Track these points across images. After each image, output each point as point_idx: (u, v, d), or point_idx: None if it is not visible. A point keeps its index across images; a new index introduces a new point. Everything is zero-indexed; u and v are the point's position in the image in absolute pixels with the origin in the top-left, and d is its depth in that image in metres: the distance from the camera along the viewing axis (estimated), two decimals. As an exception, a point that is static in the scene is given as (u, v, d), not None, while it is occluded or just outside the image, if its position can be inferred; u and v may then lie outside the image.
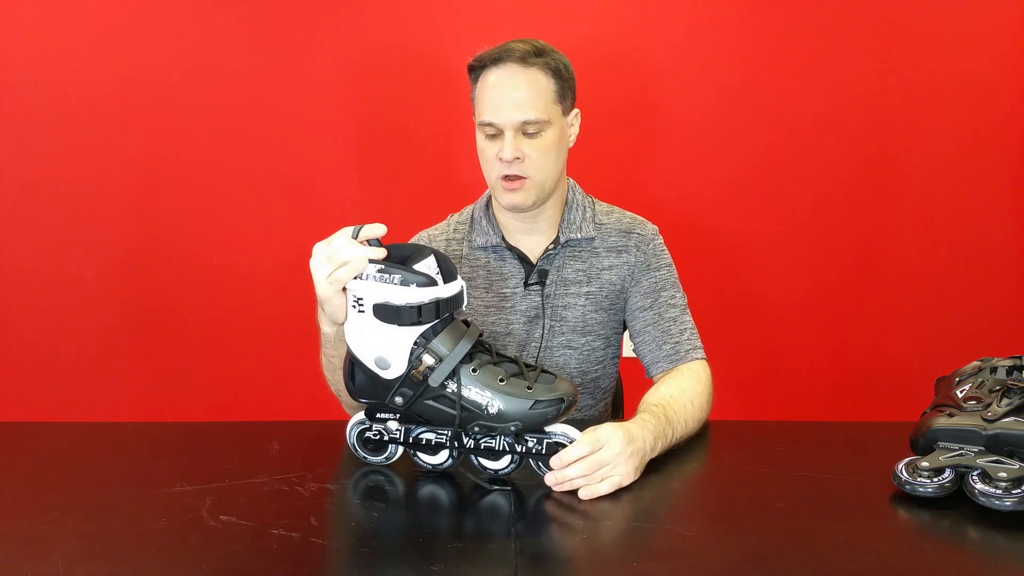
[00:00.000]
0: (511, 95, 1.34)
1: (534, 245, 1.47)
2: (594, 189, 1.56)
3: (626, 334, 1.52)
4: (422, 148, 2.36)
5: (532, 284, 1.45)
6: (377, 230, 1.04)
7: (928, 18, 2.34)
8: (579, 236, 1.45)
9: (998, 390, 1.05)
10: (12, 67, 2.27)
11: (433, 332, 1.02)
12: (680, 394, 1.26)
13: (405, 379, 1.03)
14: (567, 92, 1.40)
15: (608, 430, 1.06)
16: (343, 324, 1.10)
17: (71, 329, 2.36)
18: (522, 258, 1.46)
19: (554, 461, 1.04)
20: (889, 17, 2.33)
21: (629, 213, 1.53)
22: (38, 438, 1.28)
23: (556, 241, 1.45)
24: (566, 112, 1.41)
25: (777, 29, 2.34)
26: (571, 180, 1.51)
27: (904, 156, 2.40)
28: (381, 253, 1.02)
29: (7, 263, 2.33)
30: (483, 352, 1.06)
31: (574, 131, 1.45)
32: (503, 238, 1.47)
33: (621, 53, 2.33)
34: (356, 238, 1.03)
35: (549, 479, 1.04)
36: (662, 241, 1.51)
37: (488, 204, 1.50)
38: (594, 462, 1.03)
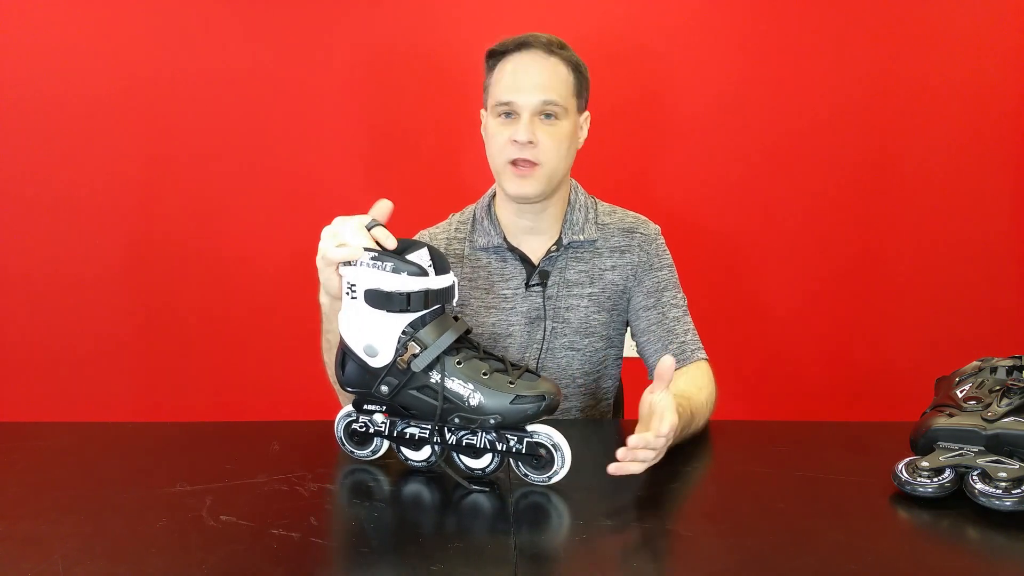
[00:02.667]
0: (533, 77, 1.35)
1: (536, 246, 1.47)
2: (596, 188, 1.56)
3: (627, 334, 1.52)
4: (426, 148, 2.35)
5: (533, 285, 1.45)
6: (388, 242, 1.03)
7: (929, 19, 2.34)
8: (581, 238, 1.45)
9: (998, 390, 1.05)
10: (14, 67, 2.26)
11: (422, 323, 1.04)
12: (698, 392, 1.28)
13: (391, 368, 1.05)
14: (583, 90, 1.41)
15: (673, 415, 1.03)
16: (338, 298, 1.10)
17: (71, 329, 2.36)
18: (524, 259, 1.46)
19: (648, 435, 1.00)
20: (891, 18, 2.33)
21: (631, 213, 1.53)
22: (38, 438, 1.28)
23: (559, 243, 1.45)
24: (580, 110, 1.42)
25: (779, 30, 2.34)
26: (573, 181, 1.51)
27: (906, 156, 2.40)
28: (372, 256, 1.02)
29: (7, 262, 2.33)
30: (470, 348, 1.08)
31: (583, 133, 1.45)
32: (505, 239, 1.46)
33: (624, 53, 2.33)
34: (370, 230, 1.04)
35: (635, 440, 0.99)
36: (664, 241, 1.51)
37: (490, 204, 1.50)
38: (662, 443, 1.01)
